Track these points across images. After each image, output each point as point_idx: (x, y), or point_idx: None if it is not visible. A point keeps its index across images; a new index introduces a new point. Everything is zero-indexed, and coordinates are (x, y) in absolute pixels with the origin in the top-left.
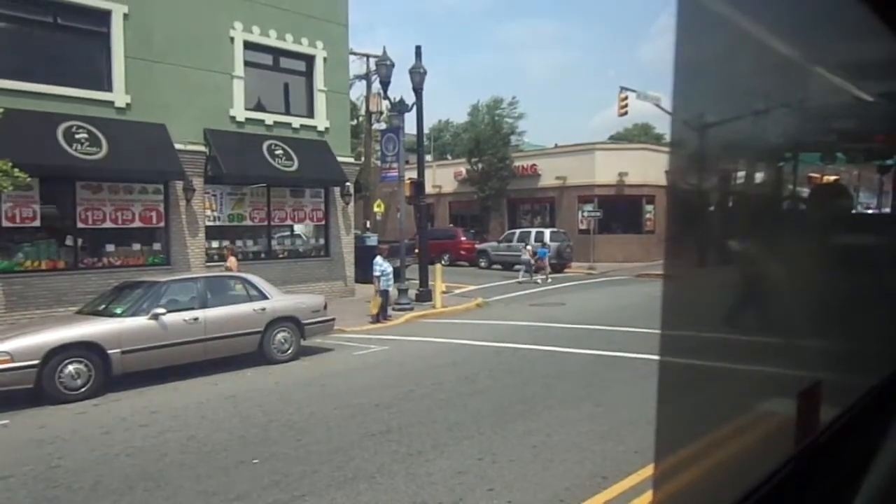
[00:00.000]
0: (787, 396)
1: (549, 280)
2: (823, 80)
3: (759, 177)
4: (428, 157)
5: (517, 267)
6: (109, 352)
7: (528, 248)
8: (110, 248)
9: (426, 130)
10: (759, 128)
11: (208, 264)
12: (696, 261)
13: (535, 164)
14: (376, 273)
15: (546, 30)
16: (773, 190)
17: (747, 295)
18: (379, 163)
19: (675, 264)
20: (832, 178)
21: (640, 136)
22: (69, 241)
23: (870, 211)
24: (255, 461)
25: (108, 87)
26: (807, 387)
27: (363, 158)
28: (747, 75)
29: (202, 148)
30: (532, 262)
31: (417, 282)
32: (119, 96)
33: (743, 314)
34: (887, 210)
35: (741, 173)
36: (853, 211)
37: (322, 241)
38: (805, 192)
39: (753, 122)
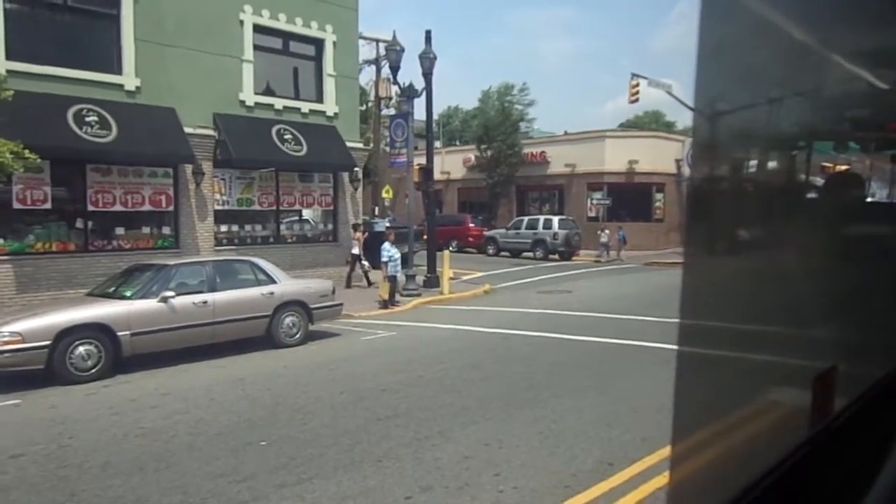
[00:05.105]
0: (801, 381)
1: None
2: (842, 69)
3: (779, 165)
4: (437, 144)
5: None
6: (119, 334)
7: (607, 231)
8: (120, 230)
9: (435, 116)
10: (783, 116)
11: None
12: (715, 249)
13: (544, 152)
14: (384, 259)
15: (560, 16)
16: (795, 178)
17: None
18: (388, 148)
19: (694, 252)
20: (850, 166)
21: (651, 123)
22: (79, 224)
23: (888, 200)
24: (262, 443)
25: (119, 71)
26: (821, 372)
27: (372, 144)
28: (772, 62)
29: (212, 132)
30: (610, 243)
31: (425, 268)
32: (129, 79)
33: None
34: None
35: (762, 161)
36: (872, 200)
37: (330, 226)
38: (829, 180)
39: (777, 110)
